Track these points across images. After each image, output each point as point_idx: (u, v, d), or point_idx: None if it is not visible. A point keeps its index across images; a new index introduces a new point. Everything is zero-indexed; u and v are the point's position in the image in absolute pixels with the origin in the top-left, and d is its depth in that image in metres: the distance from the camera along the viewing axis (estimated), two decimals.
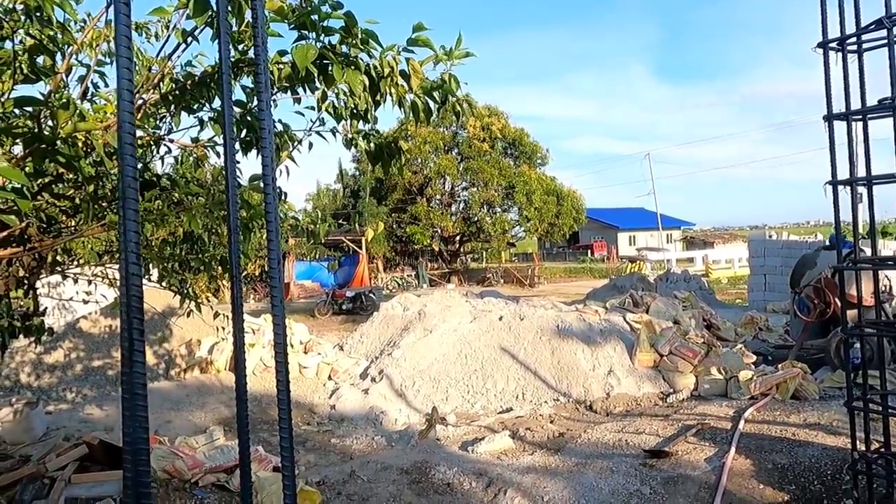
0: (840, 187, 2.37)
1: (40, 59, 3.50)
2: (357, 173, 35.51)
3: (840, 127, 2.51)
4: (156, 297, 9.64)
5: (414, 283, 30.69)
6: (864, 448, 2.62)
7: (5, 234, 3.52)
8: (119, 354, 8.20)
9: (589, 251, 49.64)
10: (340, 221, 32.88)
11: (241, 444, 2.12)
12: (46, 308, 6.98)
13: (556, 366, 8.73)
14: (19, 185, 3.14)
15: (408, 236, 32.21)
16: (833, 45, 2.36)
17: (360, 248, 26.42)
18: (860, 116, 2.40)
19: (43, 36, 3.16)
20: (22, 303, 4.81)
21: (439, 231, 32.90)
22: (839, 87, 2.40)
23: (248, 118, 4.08)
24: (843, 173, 2.44)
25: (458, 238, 34.50)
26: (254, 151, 4.22)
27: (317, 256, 29.10)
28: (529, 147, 33.10)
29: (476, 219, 32.84)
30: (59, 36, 3.35)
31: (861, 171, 2.42)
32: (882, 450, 2.69)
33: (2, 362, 10.40)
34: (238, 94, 4.05)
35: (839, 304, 8.65)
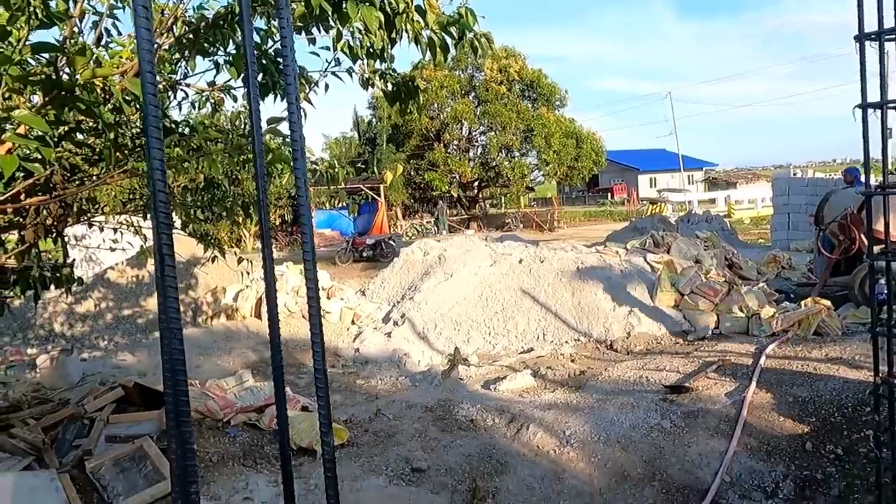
0: (870, 112, 2.31)
1: (53, 3, 3.47)
2: (373, 120, 35.18)
3: (871, 52, 2.43)
4: (181, 246, 9.73)
5: (433, 229, 30.76)
6: (886, 374, 2.64)
7: (31, 182, 3.57)
8: (147, 303, 8.41)
9: (609, 194, 49.20)
10: (359, 165, 32.79)
11: (276, 385, 2.15)
12: (74, 259, 7.13)
13: (576, 306, 8.79)
14: (42, 133, 3.16)
15: (426, 183, 32.10)
16: None
17: (379, 195, 26.42)
18: (894, 36, 2.32)
19: None
20: (52, 255, 4.92)
21: (457, 177, 32.72)
22: (872, 6, 2.32)
23: (264, 60, 4.03)
24: (873, 97, 2.37)
25: (476, 184, 34.30)
26: (269, 96, 4.20)
27: (336, 204, 29.23)
28: (548, 89, 32.44)
29: (494, 164, 32.55)
30: None
31: (892, 95, 2.36)
32: None
33: (36, 312, 10.73)
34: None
35: (864, 239, 8.56)
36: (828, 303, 7.44)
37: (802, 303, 7.70)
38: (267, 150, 4.27)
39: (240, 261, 5.66)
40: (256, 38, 4.00)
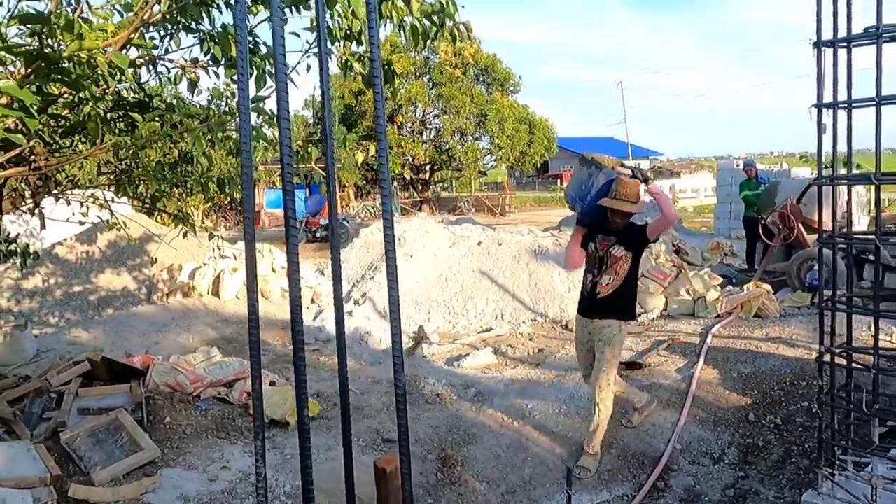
0: (824, 111, 2.59)
1: None
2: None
3: (825, 55, 2.71)
4: (134, 223, 9.58)
5: None
6: (829, 343, 2.96)
7: (14, 153, 3.56)
8: (98, 279, 8.27)
9: (559, 180, 49.98)
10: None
11: (252, 360, 2.18)
12: (19, 234, 6.98)
13: (533, 288, 9.09)
14: (26, 105, 3.17)
15: (378, 164, 31.99)
16: None
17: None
18: (845, 44, 2.60)
19: None
20: None
21: (410, 159, 32.73)
22: (828, 15, 2.59)
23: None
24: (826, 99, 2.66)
25: (429, 167, 34.39)
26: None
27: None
28: (502, 74, 32.69)
29: (447, 147, 32.67)
30: None
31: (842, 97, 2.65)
32: (845, 344, 3.03)
33: None
34: (230, 16, 4.05)
35: (802, 229, 9.14)
36: (768, 287, 7.94)
37: (744, 287, 8.18)
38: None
39: (211, 237, 5.69)
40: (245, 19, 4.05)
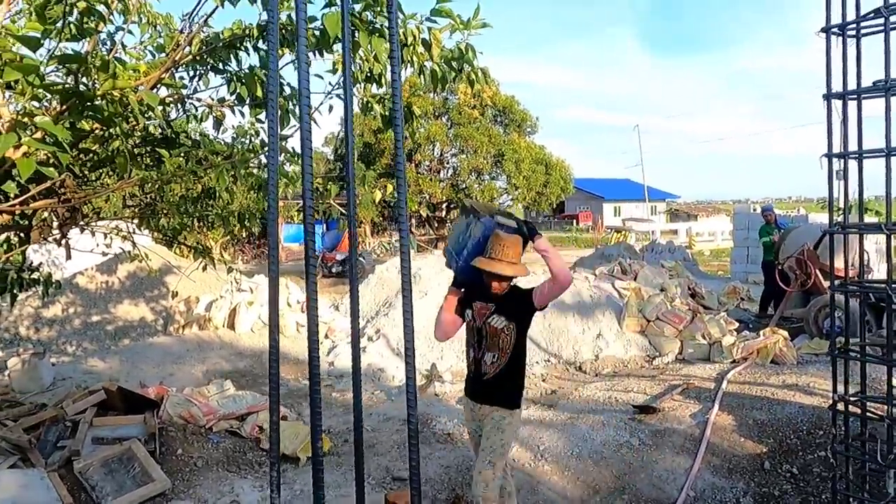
0: (836, 160, 2.63)
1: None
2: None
3: (835, 105, 2.77)
4: (153, 255, 9.74)
5: None
6: (843, 391, 2.94)
7: (45, 186, 3.69)
8: (116, 309, 8.40)
9: (574, 221, 50.07)
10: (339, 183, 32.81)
11: (270, 395, 2.15)
12: (42, 263, 7.14)
13: (547, 328, 9.06)
14: (58, 139, 3.29)
15: (395, 201, 32.28)
16: (834, 29, 2.61)
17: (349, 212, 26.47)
18: (855, 96, 2.66)
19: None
20: (12, 259, 4.91)
21: (427, 197, 33.01)
22: (838, 68, 2.65)
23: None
24: (836, 148, 2.70)
25: (445, 205, 34.66)
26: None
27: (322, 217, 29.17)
28: (519, 115, 33.12)
29: (464, 186, 32.95)
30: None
31: (853, 147, 2.69)
32: (859, 393, 3.01)
33: (1, 315, 10.56)
34: (255, 58, 4.21)
35: (819, 275, 9.08)
36: (785, 333, 7.87)
37: (761, 332, 8.12)
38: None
39: (229, 270, 5.78)
40: (260, 60, 4.20)
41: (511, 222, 3.69)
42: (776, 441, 5.21)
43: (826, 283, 8.88)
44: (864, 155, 2.65)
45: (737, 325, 9.02)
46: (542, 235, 3.75)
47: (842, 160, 2.70)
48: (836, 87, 2.68)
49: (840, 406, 2.93)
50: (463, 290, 3.83)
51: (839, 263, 3.24)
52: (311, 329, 2.15)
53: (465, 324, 3.86)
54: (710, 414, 5.66)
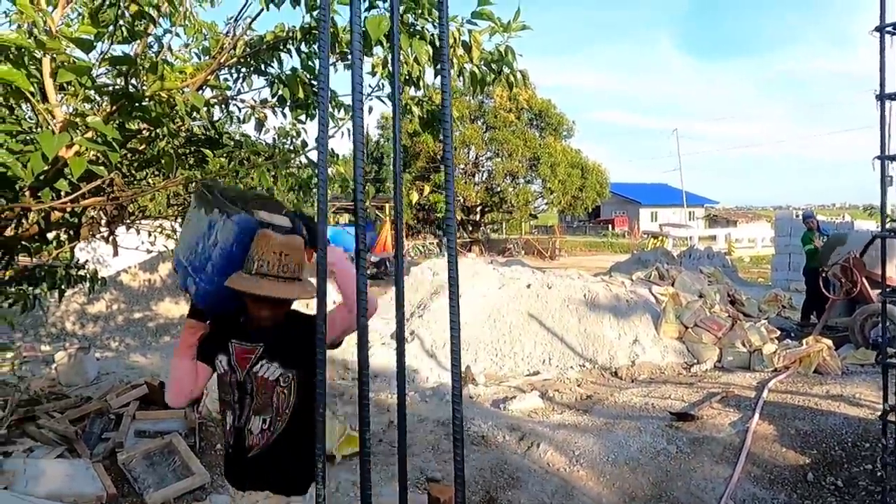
0: (888, 163, 2.56)
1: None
2: (381, 139, 35.61)
3: (890, 107, 2.69)
4: None
5: (436, 250, 31.00)
6: (893, 402, 2.86)
7: (95, 184, 3.80)
8: (158, 307, 8.59)
9: (610, 226, 49.57)
10: (376, 185, 33.11)
11: (317, 392, 2.16)
12: (87, 260, 7.34)
13: (582, 333, 8.99)
14: (110, 139, 3.39)
15: (430, 204, 32.41)
16: (889, 29, 2.54)
17: (384, 214, 26.69)
18: None
19: (145, 3, 3.37)
20: (61, 256, 5.07)
21: (462, 200, 33.05)
22: (891, 69, 2.58)
23: (313, 83, 4.30)
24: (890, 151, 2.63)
25: (479, 208, 34.64)
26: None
27: (339, 220, 29.51)
28: (556, 119, 32.97)
29: (499, 189, 32.91)
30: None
31: None
32: None
33: (48, 310, 10.89)
34: (297, 61, 4.27)
35: (865, 283, 8.82)
36: (829, 342, 7.66)
37: (804, 341, 7.91)
38: (313, 164, 4.53)
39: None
40: (305, 62, 4.26)
41: (283, 219, 2.52)
42: (820, 452, 5.08)
43: (873, 292, 8.63)
44: None
45: (778, 333, 8.80)
46: (336, 246, 2.56)
47: (895, 163, 2.63)
48: (891, 87, 2.61)
49: (891, 417, 2.84)
50: (210, 322, 2.55)
51: (890, 271, 3.14)
52: (361, 331, 2.14)
53: (215, 375, 2.55)
54: (751, 422, 5.54)
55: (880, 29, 2.52)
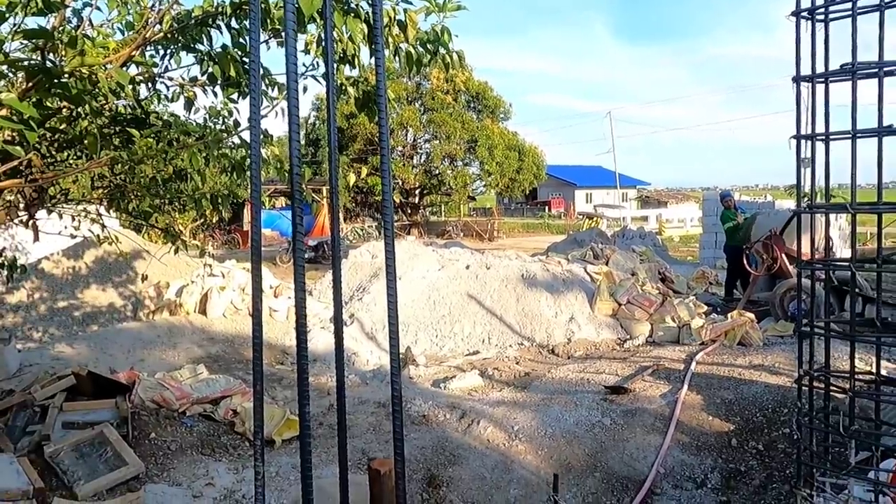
0: (804, 143, 2.70)
1: None
2: (316, 121, 34.99)
3: (805, 89, 2.84)
4: (124, 239, 9.58)
5: (374, 233, 30.81)
6: (807, 367, 3.04)
7: (10, 165, 3.60)
8: (84, 294, 8.26)
9: (546, 207, 50.37)
10: (312, 167, 32.50)
11: (255, 372, 2.13)
12: (5, 248, 6.97)
13: (520, 312, 9.15)
14: (26, 117, 3.22)
15: (368, 187, 32.13)
16: (804, 13, 2.67)
17: (320, 197, 26.31)
18: (823, 79, 2.73)
19: None
20: None
21: (400, 183, 32.90)
22: (806, 53, 2.72)
23: (245, 60, 4.19)
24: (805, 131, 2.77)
25: (418, 191, 34.58)
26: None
27: (275, 204, 28.91)
28: (493, 101, 33.14)
29: (437, 172, 32.93)
30: None
31: (819, 128, 2.77)
32: (823, 368, 3.12)
33: None
34: (228, 37, 4.15)
35: (785, 259, 9.29)
36: (751, 316, 8.05)
37: (729, 315, 8.29)
38: (247, 145, 4.41)
39: (202, 254, 5.72)
40: (235, 39, 4.14)
41: None
42: (743, 419, 5.36)
43: (792, 268, 9.11)
44: (831, 137, 2.72)
45: (705, 308, 9.19)
46: None
47: (809, 142, 2.78)
48: (805, 70, 2.75)
49: (805, 381, 3.03)
50: None
51: (805, 245, 3.33)
52: (299, 314, 2.11)
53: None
54: (680, 394, 5.79)
55: (796, 14, 2.66)
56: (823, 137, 2.74)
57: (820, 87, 2.75)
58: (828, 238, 5.45)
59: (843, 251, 12.55)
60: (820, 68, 2.70)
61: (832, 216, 4.10)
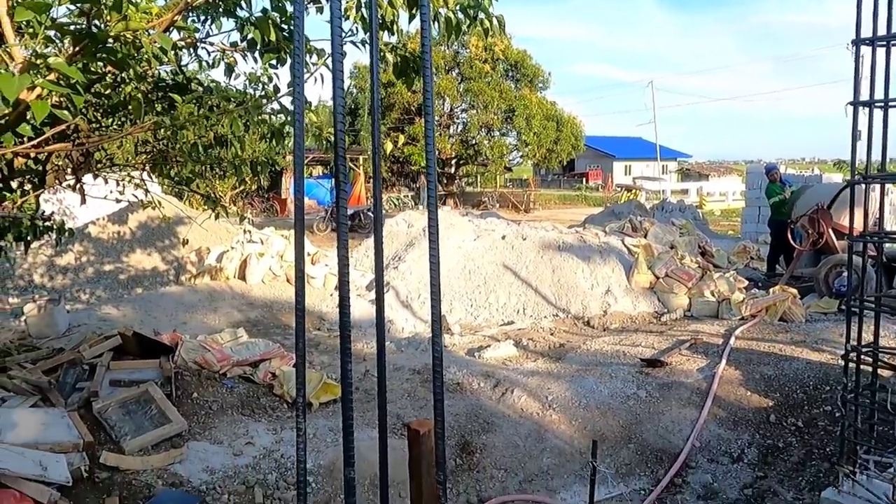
0: (860, 112, 2.59)
1: None
2: (354, 91, 34.94)
3: (864, 54, 2.71)
4: (166, 205, 9.78)
5: (410, 203, 30.87)
6: (856, 343, 2.96)
7: (58, 129, 3.68)
8: (129, 258, 8.48)
9: (584, 179, 49.70)
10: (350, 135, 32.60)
11: (297, 332, 2.15)
12: (53, 213, 7.17)
13: (556, 283, 9.10)
14: (73, 81, 3.27)
15: (405, 157, 32.11)
16: None
17: (358, 166, 26.38)
18: (884, 42, 2.60)
19: None
20: (26, 207, 4.94)
21: (437, 153, 32.79)
22: (868, 15, 2.59)
23: (284, 26, 4.18)
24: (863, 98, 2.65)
25: (454, 161, 34.42)
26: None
27: (312, 173, 29.11)
28: (531, 70, 32.58)
29: (474, 142, 32.68)
30: None
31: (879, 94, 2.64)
32: (871, 344, 3.03)
33: (15, 263, 10.68)
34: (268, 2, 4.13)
35: (831, 234, 9.02)
36: (794, 291, 7.87)
37: (770, 290, 8.12)
38: (286, 111, 4.43)
39: (242, 219, 5.80)
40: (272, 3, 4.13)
41: None
42: (782, 395, 5.27)
43: (840, 244, 8.84)
44: (891, 103, 2.60)
45: (746, 283, 9.01)
46: None
47: (867, 110, 2.66)
48: (866, 33, 2.62)
49: (852, 357, 2.95)
50: None
51: (858, 218, 3.21)
52: (342, 281, 2.11)
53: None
54: (718, 368, 5.71)
55: None
56: (882, 104, 2.62)
57: (880, 52, 2.63)
58: (882, 212, 5.26)
59: (894, 225, 12.13)
60: (881, 31, 2.57)
61: (886, 189, 3.95)
